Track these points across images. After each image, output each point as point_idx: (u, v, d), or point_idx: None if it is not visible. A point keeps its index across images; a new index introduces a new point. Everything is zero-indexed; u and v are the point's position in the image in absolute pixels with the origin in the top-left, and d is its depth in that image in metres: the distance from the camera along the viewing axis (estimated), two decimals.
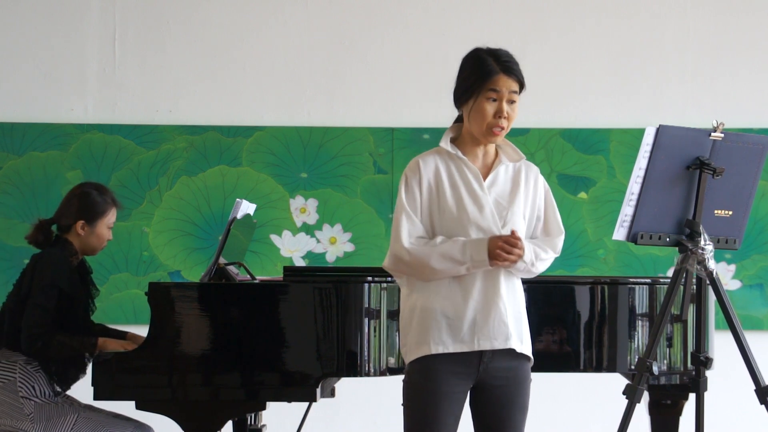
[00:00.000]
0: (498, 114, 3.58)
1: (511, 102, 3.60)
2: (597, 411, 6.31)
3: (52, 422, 4.42)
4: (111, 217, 4.67)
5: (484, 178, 3.64)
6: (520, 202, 3.65)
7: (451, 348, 3.55)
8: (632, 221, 3.85)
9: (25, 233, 4.72)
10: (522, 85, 3.64)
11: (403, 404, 3.63)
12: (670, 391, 4.44)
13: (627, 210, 3.85)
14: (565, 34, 6.59)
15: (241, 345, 4.24)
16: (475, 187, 3.62)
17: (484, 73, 3.60)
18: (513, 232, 3.53)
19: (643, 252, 6.46)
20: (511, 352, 3.60)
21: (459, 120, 3.71)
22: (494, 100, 3.59)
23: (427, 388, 3.57)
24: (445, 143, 3.66)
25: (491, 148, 3.69)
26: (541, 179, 3.74)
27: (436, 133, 6.26)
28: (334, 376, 4.39)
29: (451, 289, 3.58)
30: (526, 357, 3.66)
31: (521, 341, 3.62)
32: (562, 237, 3.71)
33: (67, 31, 6.57)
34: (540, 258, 3.62)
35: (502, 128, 3.60)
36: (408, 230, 3.59)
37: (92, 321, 4.71)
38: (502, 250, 3.51)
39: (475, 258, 3.53)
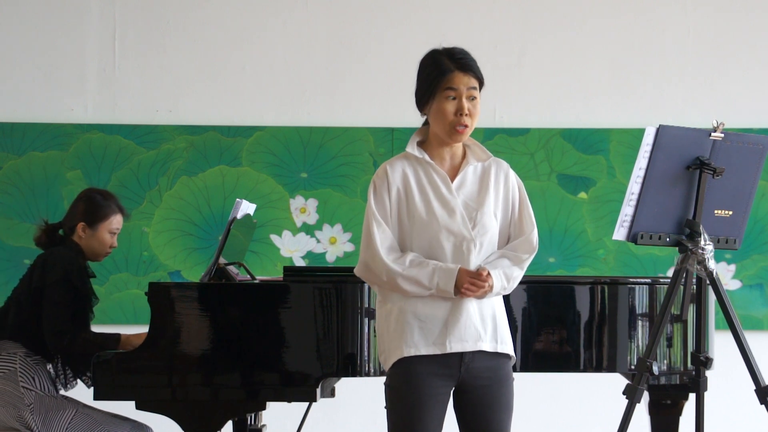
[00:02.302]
0: (459, 112, 3.57)
1: (471, 98, 3.58)
2: (597, 411, 6.31)
3: (51, 415, 4.44)
4: (114, 222, 4.68)
5: (452, 179, 3.63)
6: (490, 201, 3.63)
7: (423, 350, 3.54)
8: (632, 221, 3.85)
9: (25, 233, 4.75)
10: (480, 81, 3.62)
11: (386, 407, 3.63)
12: (670, 391, 4.44)
13: (627, 210, 3.85)
14: (565, 34, 6.59)
15: (241, 345, 4.24)
16: (444, 191, 3.60)
17: (439, 73, 3.58)
18: (480, 272, 3.52)
19: (643, 252, 6.46)
20: (490, 353, 3.59)
21: (427, 123, 3.70)
22: (453, 99, 3.57)
23: (409, 391, 3.56)
24: (411, 148, 3.64)
25: (458, 149, 3.67)
26: (512, 175, 3.70)
27: None
28: (334, 376, 4.39)
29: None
30: (507, 356, 3.64)
31: (497, 341, 3.60)
32: (536, 231, 3.67)
33: (67, 31, 6.57)
34: (513, 278, 3.60)
35: (466, 126, 3.58)
36: (380, 240, 3.57)
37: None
38: (468, 289, 3.51)
39: (441, 287, 3.52)
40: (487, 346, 3.58)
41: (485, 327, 3.58)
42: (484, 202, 3.62)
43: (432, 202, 3.59)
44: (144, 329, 4.35)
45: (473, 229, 3.58)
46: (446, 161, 3.66)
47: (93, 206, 4.66)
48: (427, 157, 3.63)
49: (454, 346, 3.54)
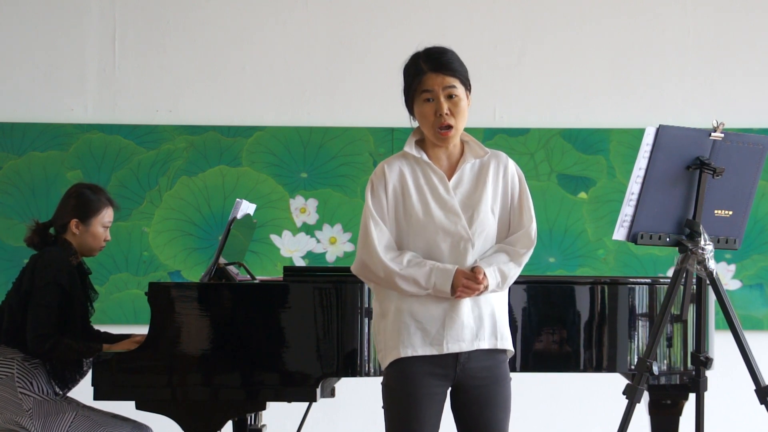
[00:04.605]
0: (437, 113, 3.55)
1: (451, 97, 3.55)
2: (597, 411, 6.31)
3: (51, 419, 4.42)
4: (106, 216, 4.65)
5: (450, 177, 3.61)
6: (488, 198, 3.61)
7: (420, 351, 3.54)
8: (632, 221, 3.85)
9: (24, 233, 4.72)
10: (461, 78, 3.57)
11: (383, 407, 3.63)
12: (670, 391, 4.44)
13: (627, 210, 3.85)
14: (565, 34, 6.59)
15: (241, 345, 4.24)
16: (441, 191, 3.59)
17: (414, 76, 3.58)
18: (476, 271, 3.51)
19: (643, 252, 6.46)
20: (487, 352, 3.58)
21: None
22: (430, 101, 3.56)
23: (406, 391, 3.56)
24: (409, 147, 3.63)
25: (455, 146, 3.64)
26: (512, 166, 3.69)
27: None
28: (334, 376, 4.39)
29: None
30: (504, 356, 3.63)
31: (496, 338, 3.59)
32: (534, 225, 3.65)
33: (67, 31, 6.57)
34: (509, 276, 3.58)
35: (449, 126, 3.56)
36: (378, 238, 3.56)
37: (92, 326, 4.70)
38: (463, 291, 3.50)
39: (438, 288, 3.51)
40: (485, 344, 3.57)
41: (483, 326, 3.57)
42: (481, 199, 3.60)
43: (429, 202, 3.58)
44: (140, 332, 4.35)
45: (470, 228, 3.57)
46: (443, 160, 3.64)
47: (84, 202, 4.62)
48: (425, 157, 3.62)
49: (451, 347, 3.54)
